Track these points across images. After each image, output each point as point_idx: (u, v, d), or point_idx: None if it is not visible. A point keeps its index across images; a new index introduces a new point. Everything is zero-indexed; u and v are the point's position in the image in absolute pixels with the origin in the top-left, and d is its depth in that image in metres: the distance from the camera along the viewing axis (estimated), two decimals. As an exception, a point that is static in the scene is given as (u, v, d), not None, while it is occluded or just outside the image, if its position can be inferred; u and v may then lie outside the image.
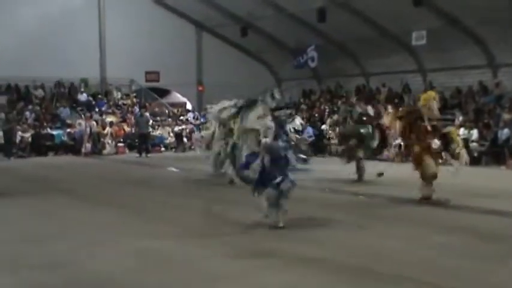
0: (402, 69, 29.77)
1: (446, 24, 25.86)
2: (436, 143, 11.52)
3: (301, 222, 9.90)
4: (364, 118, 15.72)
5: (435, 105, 11.81)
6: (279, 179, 9.12)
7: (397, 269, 6.96)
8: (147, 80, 34.03)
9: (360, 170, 15.35)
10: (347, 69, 33.25)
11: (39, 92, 31.07)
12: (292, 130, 9.88)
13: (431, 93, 12.56)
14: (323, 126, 26.79)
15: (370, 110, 16.47)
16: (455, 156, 11.75)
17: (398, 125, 12.36)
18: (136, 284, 6.54)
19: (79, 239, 8.84)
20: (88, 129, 26.92)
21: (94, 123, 27.71)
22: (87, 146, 26.73)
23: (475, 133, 21.44)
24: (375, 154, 16.14)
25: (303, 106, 31.72)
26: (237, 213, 10.63)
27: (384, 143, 15.97)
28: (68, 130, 27.93)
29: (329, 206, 11.73)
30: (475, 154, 20.63)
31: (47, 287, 6.51)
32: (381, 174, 14.05)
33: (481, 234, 8.90)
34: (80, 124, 27.65)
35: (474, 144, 21.04)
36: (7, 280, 6.85)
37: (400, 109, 16.23)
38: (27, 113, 28.78)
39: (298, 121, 10.63)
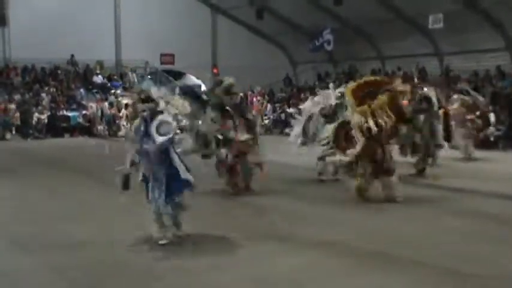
0: (418, 53, 29.49)
1: (463, 7, 25.59)
2: None
3: (317, 204, 9.88)
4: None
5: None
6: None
7: (413, 254, 6.93)
8: (162, 63, 33.97)
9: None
10: (363, 53, 32.99)
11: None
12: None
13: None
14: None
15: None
16: None
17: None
18: (149, 268, 6.55)
19: (97, 221, 8.88)
20: (99, 112, 27.30)
21: (106, 104, 27.89)
22: (99, 127, 27.10)
23: (492, 117, 21.21)
24: None
25: (318, 89, 31.48)
26: (251, 196, 10.65)
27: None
28: (84, 112, 28.12)
29: (345, 189, 11.68)
30: (492, 138, 20.47)
31: (64, 268, 6.54)
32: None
33: (497, 219, 8.84)
34: (91, 107, 27.96)
35: (491, 128, 20.82)
36: (25, 260, 6.91)
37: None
38: (43, 95, 28.90)
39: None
